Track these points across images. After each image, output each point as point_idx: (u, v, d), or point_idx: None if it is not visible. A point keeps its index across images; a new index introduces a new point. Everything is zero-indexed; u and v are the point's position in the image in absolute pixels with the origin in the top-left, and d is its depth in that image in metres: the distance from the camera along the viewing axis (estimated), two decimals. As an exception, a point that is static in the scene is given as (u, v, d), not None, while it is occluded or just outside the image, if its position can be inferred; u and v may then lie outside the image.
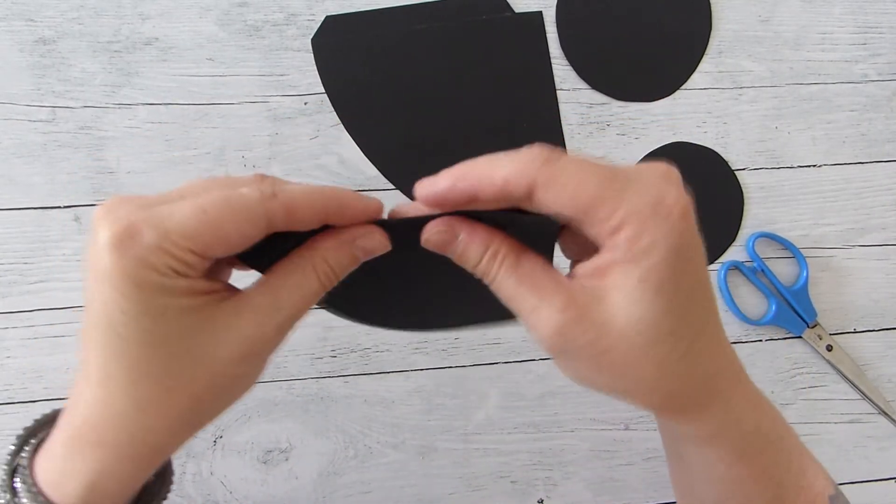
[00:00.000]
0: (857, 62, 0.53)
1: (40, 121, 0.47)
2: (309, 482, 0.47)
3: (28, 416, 0.45)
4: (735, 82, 0.52)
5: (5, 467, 0.28)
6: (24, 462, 0.28)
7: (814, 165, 0.52)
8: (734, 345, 0.50)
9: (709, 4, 0.52)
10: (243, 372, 0.29)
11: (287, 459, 0.47)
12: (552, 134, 0.49)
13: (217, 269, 0.29)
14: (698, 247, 0.28)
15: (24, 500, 0.27)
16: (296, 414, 0.47)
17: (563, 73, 0.51)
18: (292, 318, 0.28)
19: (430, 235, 0.28)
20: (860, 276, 0.52)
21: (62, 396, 0.46)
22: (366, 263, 0.29)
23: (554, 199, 0.26)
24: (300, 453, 0.47)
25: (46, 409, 0.46)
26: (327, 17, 0.49)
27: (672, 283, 0.26)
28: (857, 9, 0.53)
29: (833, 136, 0.52)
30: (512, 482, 0.48)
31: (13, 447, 0.29)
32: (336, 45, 0.49)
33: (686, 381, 0.29)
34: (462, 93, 0.49)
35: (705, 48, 0.52)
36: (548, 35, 0.51)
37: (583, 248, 0.28)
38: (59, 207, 0.47)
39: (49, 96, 0.48)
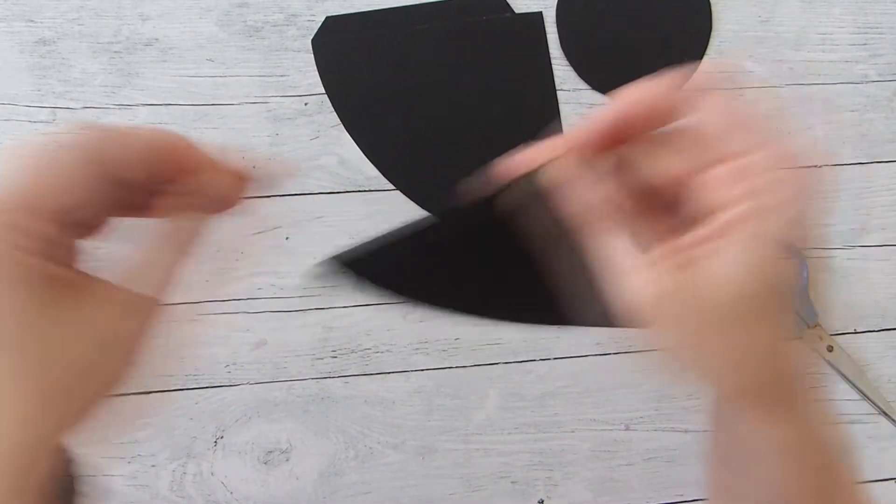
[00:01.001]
0: (857, 62, 0.53)
1: (41, 121, 0.47)
2: (309, 483, 0.47)
3: (28, 416, 0.46)
4: (735, 82, 0.52)
5: None
6: None
7: (814, 166, 0.52)
8: (734, 345, 0.50)
9: (709, 4, 0.52)
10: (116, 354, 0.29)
11: (287, 460, 0.47)
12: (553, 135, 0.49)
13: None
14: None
15: None
16: (296, 414, 0.47)
17: (563, 73, 0.51)
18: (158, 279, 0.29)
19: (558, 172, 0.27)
20: (860, 276, 0.52)
21: (62, 397, 0.46)
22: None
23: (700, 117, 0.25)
24: (300, 454, 0.47)
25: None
26: (328, 18, 0.49)
27: (777, 258, 0.24)
28: (857, 9, 0.53)
29: (833, 137, 0.52)
30: (512, 482, 0.48)
31: None
32: (336, 45, 0.49)
33: (776, 369, 0.28)
34: (462, 93, 0.49)
35: (705, 48, 0.52)
36: (548, 35, 0.51)
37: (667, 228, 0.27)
38: (60, 208, 0.47)
39: (49, 97, 0.48)
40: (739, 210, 0.24)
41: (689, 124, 0.25)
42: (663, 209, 0.27)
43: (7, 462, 0.24)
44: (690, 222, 0.25)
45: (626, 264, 0.26)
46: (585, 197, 0.27)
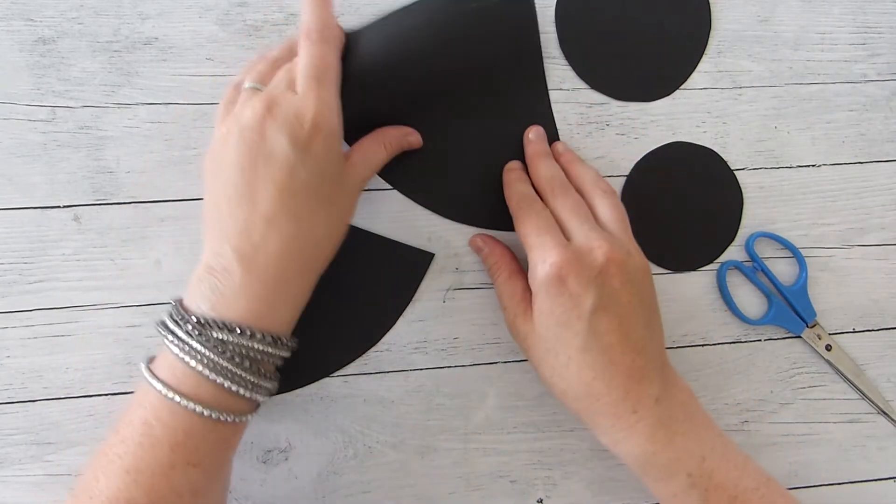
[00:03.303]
0: (856, 62, 0.53)
1: (40, 120, 0.47)
2: (308, 482, 0.47)
3: (28, 415, 0.46)
4: (734, 82, 0.52)
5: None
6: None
7: (813, 165, 0.52)
8: (733, 344, 0.50)
9: (708, 4, 0.52)
10: (355, 202, 0.44)
11: (287, 459, 0.47)
12: (545, 125, 0.49)
13: None
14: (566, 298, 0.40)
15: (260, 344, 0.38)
16: (295, 414, 0.47)
17: (562, 73, 0.51)
18: (372, 171, 0.44)
19: (472, 243, 0.48)
20: (859, 275, 0.52)
21: (62, 396, 0.46)
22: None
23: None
24: (300, 453, 0.47)
25: (46, 408, 0.46)
26: None
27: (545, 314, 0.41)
28: (856, 9, 0.53)
29: (832, 136, 0.52)
30: (511, 482, 0.48)
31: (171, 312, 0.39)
32: None
33: (576, 385, 0.40)
34: (453, 87, 0.48)
35: (705, 48, 0.52)
36: (548, 35, 0.51)
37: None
38: (59, 207, 0.47)
39: (49, 96, 0.48)
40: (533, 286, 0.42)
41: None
42: None
43: (314, 279, 0.41)
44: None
45: (501, 303, 0.45)
46: (485, 261, 0.47)
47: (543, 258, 0.40)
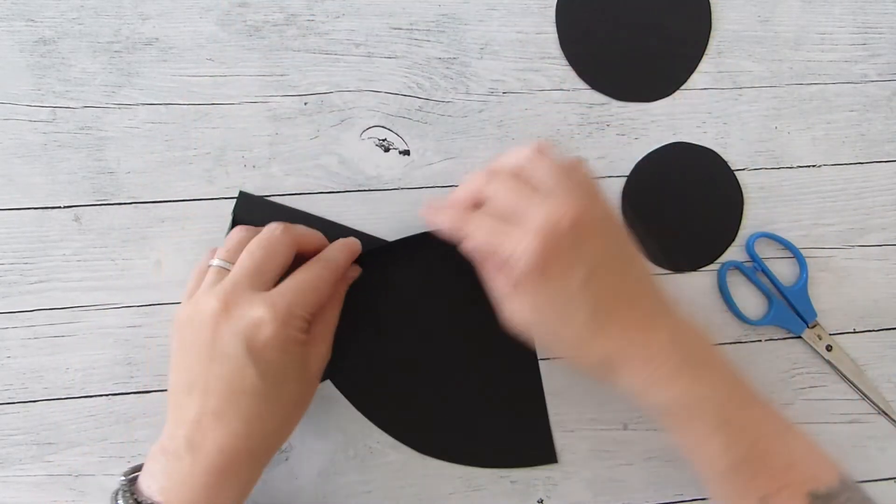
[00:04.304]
0: (856, 62, 0.53)
1: (40, 121, 0.47)
2: (309, 482, 0.47)
3: (28, 416, 0.46)
4: (735, 82, 0.52)
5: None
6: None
7: (813, 165, 0.52)
8: (734, 345, 0.50)
9: (709, 4, 0.52)
10: (315, 386, 0.43)
11: (287, 459, 0.47)
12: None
13: None
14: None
15: None
16: (296, 414, 0.47)
17: (562, 73, 0.51)
18: (332, 339, 0.44)
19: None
20: (860, 276, 0.52)
21: (62, 396, 0.46)
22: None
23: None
24: (300, 453, 0.47)
25: (46, 409, 0.46)
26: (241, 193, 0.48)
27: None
28: (856, 9, 0.53)
29: (833, 137, 0.52)
30: (512, 482, 0.48)
31: (122, 483, 0.39)
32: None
33: (591, 354, 0.40)
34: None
35: (705, 48, 0.52)
36: (548, 35, 0.51)
37: None
38: (60, 207, 0.47)
39: (49, 96, 0.48)
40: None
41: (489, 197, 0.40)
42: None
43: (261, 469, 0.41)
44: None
45: (503, 292, 0.41)
46: (471, 239, 0.40)
47: (516, 263, 0.38)
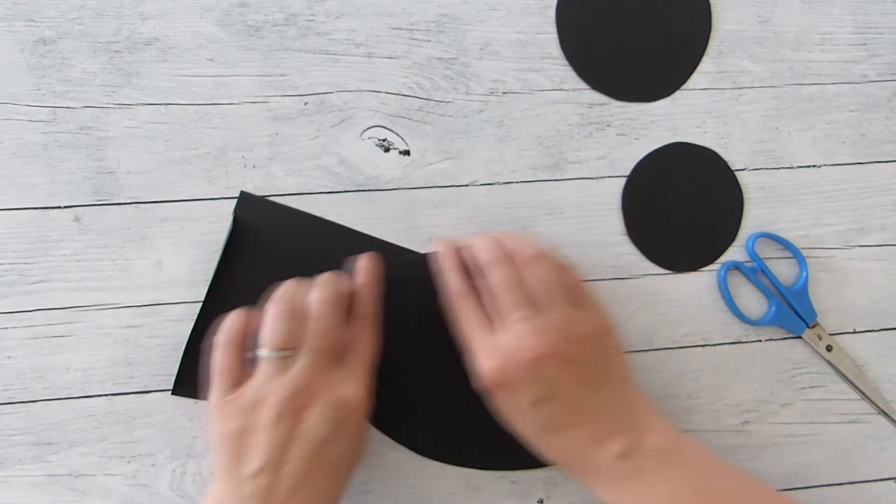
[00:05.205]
0: (856, 62, 0.53)
1: (41, 121, 0.48)
2: (309, 482, 0.47)
3: (28, 416, 0.46)
4: (735, 83, 0.52)
5: None
6: None
7: (814, 166, 0.52)
8: (734, 345, 0.50)
9: (709, 4, 0.52)
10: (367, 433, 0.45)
11: (287, 459, 0.47)
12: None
13: None
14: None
15: None
16: (296, 414, 0.47)
17: (562, 73, 0.51)
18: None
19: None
20: (860, 276, 0.52)
21: (62, 396, 0.46)
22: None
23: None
24: (300, 453, 0.47)
25: (46, 409, 0.46)
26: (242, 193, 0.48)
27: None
28: (857, 9, 0.53)
29: (833, 137, 0.52)
30: (512, 482, 0.48)
31: None
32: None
33: (547, 457, 0.42)
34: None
35: (705, 48, 0.52)
36: (548, 35, 0.51)
37: None
38: (60, 207, 0.47)
39: (49, 96, 0.48)
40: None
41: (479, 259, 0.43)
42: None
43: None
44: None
45: (476, 345, 0.42)
46: (451, 285, 0.44)
47: (478, 368, 0.41)
